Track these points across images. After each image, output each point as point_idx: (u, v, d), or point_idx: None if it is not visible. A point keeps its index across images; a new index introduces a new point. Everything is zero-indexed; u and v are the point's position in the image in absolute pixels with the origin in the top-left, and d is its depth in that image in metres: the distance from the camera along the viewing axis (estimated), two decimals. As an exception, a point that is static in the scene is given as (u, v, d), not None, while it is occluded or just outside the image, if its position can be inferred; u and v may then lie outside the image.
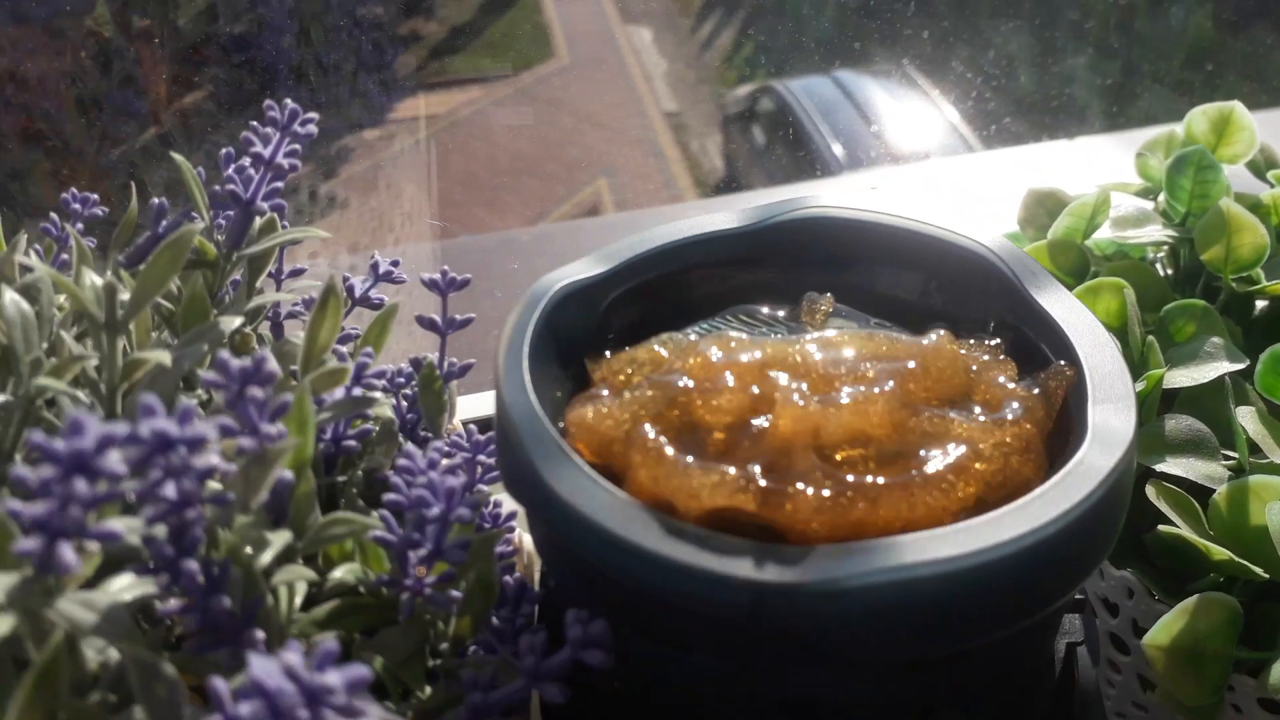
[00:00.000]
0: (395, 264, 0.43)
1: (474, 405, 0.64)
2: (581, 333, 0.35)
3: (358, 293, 0.43)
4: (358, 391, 0.35)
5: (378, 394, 0.35)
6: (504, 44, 2.03)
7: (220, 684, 0.22)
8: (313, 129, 0.36)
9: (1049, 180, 0.56)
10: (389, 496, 0.32)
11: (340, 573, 0.32)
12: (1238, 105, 0.48)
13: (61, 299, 0.38)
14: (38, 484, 0.22)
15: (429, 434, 0.40)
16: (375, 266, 0.43)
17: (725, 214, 0.37)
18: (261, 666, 0.22)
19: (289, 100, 0.37)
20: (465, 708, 0.30)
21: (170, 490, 0.25)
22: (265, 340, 0.42)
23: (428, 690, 0.32)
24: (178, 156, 0.36)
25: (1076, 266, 0.49)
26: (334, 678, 0.21)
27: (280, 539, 0.29)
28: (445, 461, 0.31)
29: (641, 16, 2.64)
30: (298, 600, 0.31)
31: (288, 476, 0.28)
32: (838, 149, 1.77)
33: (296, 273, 0.44)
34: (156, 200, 0.38)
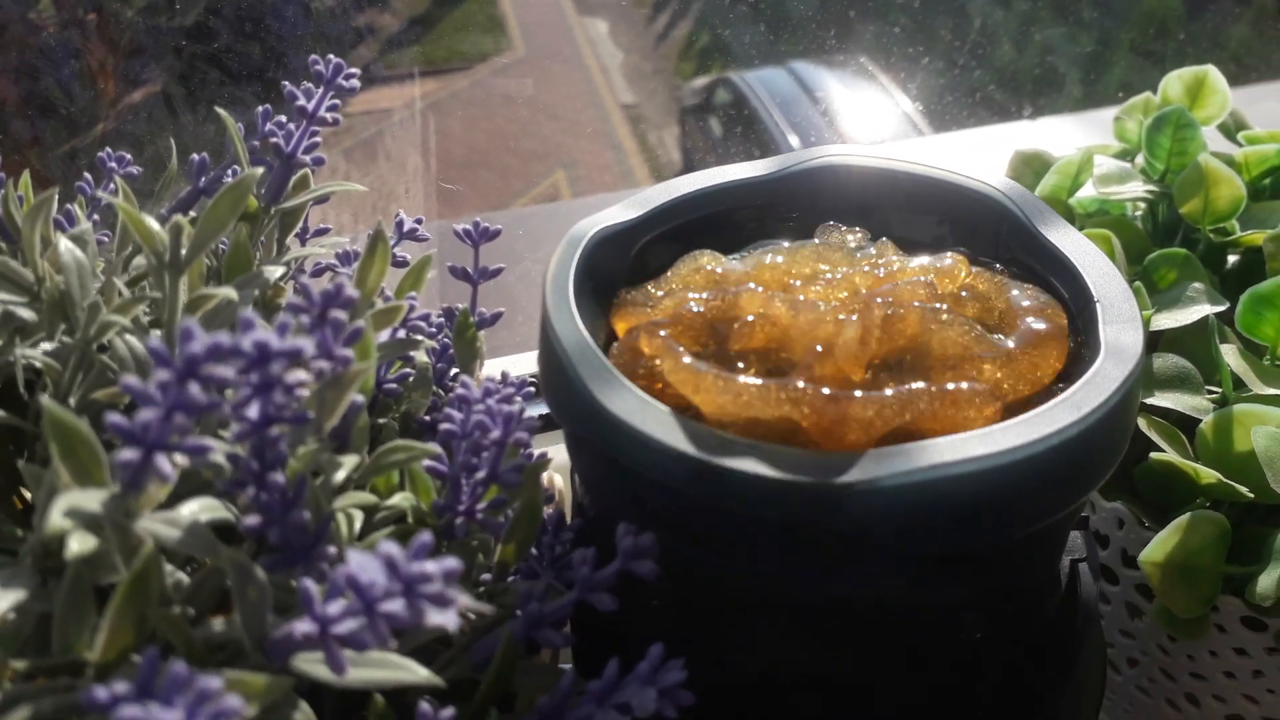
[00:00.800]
0: (419, 222, 0.45)
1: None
2: (616, 274, 0.37)
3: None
4: (402, 334, 0.37)
5: (421, 337, 0.37)
6: (459, 36, 2.03)
7: (309, 584, 0.24)
8: (356, 83, 0.37)
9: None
10: (444, 427, 0.33)
11: (396, 499, 0.34)
12: (1211, 69, 0.51)
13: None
14: (151, 390, 0.24)
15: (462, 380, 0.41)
16: (400, 224, 0.45)
17: (751, 163, 0.39)
18: (359, 560, 0.23)
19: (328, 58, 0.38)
20: (521, 618, 0.32)
21: (263, 405, 0.26)
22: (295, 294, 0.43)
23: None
24: (221, 110, 0.38)
25: (1062, 222, 0.51)
26: (431, 566, 0.23)
27: (350, 461, 0.31)
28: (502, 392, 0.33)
29: (597, 8, 2.66)
30: (356, 526, 0.33)
31: (360, 400, 0.30)
32: (794, 139, 1.80)
33: (321, 231, 0.46)
34: (197, 156, 0.39)
